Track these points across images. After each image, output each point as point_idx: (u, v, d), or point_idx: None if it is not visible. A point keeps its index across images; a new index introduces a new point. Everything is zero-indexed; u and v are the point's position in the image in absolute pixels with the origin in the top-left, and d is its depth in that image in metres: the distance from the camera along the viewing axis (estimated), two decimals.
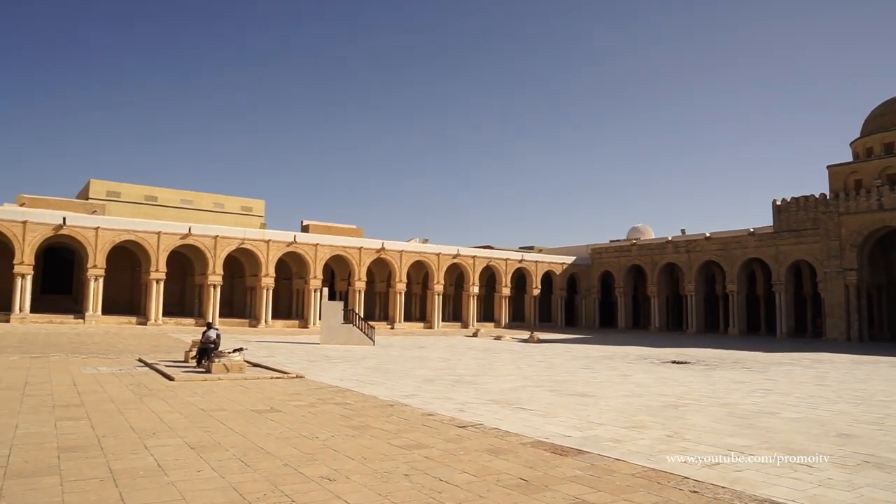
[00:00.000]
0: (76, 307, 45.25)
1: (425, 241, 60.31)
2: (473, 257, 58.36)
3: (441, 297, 56.58)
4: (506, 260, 60.62)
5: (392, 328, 52.37)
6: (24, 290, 39.59)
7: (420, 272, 58.93)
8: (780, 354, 31.90)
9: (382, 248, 52.99)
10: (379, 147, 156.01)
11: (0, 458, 7.51)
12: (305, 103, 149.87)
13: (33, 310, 40.39)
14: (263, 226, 61.65)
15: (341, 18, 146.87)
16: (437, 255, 56.21)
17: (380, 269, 56.65)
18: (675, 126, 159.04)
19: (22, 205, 44.61)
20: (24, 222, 39.60)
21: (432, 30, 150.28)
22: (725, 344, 40.19)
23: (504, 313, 60.20)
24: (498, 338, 43.75)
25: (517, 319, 62.68)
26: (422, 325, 56.04)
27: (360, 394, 14.34)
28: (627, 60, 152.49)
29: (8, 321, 38.43)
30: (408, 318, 57.13)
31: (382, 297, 58.61)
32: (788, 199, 51.25)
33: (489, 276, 62.18)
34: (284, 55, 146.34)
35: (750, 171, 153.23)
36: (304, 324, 49.23)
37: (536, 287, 61.92)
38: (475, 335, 45.91)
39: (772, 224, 52.48)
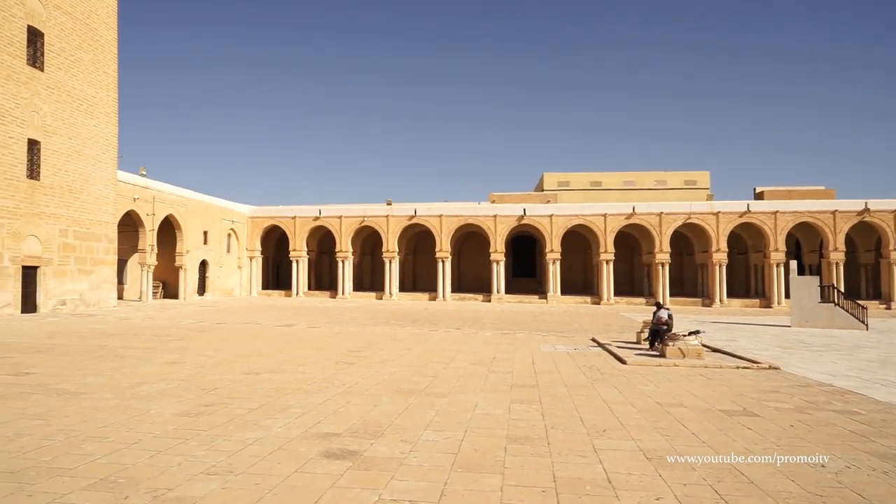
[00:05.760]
0: (539, 288, 50.18)
1: None
2: None
3: None
4: None
5: (888, 308, 41.59)
6: (498, 274, 45.77)
7: None
8: None
9: (866, 210, 42.53)
10: (845, 93, 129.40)
11: (454, 443, 7.27)
12: (740, 61, 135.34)
13: (507, 291, 46.41)
14: (710, 197, 57.33)
15: None
16: None
17: (863, 236, 45.82)
18: None
19: (493, 202, 51.77)
20: (495, 216, 45.80)
21: None
22: None
23: None
24: None
25: None
26: None
27: (870, 398, 10.45)
28: None
29: (489, 301, 45.08)
30: None
31: (870, 269, 47.29)
32: None
33: None
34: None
35: None
36: (767, 303, 43.28)
37: None
38: None
39: None
